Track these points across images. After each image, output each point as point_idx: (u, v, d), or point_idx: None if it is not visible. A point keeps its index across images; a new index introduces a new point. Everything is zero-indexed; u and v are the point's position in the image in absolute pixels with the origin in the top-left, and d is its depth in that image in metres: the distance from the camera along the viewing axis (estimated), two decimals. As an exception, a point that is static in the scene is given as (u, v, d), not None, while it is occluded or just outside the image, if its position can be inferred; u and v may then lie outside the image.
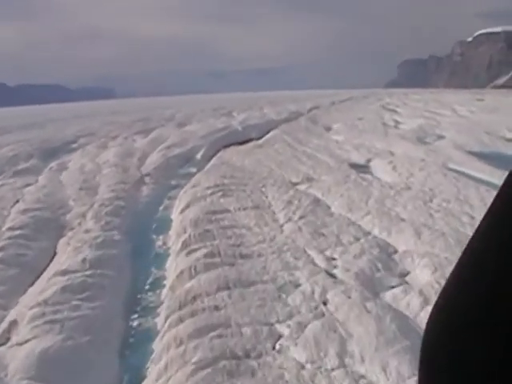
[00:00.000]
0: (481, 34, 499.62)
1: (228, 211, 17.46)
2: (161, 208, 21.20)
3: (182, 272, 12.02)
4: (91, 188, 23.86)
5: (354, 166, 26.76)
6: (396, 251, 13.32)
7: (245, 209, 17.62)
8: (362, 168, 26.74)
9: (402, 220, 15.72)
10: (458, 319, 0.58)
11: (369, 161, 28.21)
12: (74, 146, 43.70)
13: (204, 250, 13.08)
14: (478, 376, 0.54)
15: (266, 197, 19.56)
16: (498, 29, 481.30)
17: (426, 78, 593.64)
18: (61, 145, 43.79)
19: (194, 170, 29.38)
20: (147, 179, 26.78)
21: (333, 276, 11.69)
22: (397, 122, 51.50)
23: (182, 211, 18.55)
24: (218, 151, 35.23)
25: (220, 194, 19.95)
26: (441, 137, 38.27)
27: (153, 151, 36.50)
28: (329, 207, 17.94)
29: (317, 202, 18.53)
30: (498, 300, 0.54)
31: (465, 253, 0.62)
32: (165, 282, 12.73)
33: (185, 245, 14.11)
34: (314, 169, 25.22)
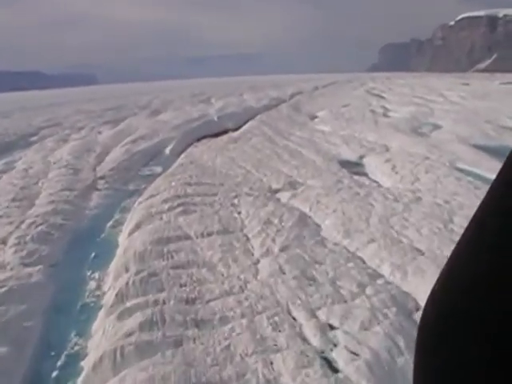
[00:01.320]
0: (463, 18, 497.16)
1: (187, 238, 13.30)
2: (108, 225, 16.90)
3: (101, 359, 7.87)
4: (27, 198, 19.55)
5: (346, 165, 23.02)
6: (418, 308, 9.30)
7: (209, 234, 13.48)
8: (355, 167, 22.92)
9: (419, 252, 11.67)
10: (450, 303, 0.59)
11: (362, 157, 24.35)
12: (33, 139, 39.33)
13: (141, 316, 8.90)
14: (473, 361, 0.55)
15: (239, 213, 15.44)
16: (481, 13, 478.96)
17: (407, 61, 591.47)
18: (17, 139, 39.39)
19: (158, 169, 25.37)
20: (101, 183, 22.57)
21: (332, 367, 7.62)
22: (386, 109, 47.45)
23: (131, 234, 14.40)
24: (189, 145, 31.22)
25: (180, 209, 15.81)
26: (437, 126, 34.48)
27: (116, 146, 32.32)
28: (319, 229, 13.86)
29: (303, 220, 14.46)
30: (493, 284, 0.55)
31: (459, 242, 0.62)
32: (80, 367, 8.53)
33: (119, 299, 9.98)
34: (298, 169, 21.30)
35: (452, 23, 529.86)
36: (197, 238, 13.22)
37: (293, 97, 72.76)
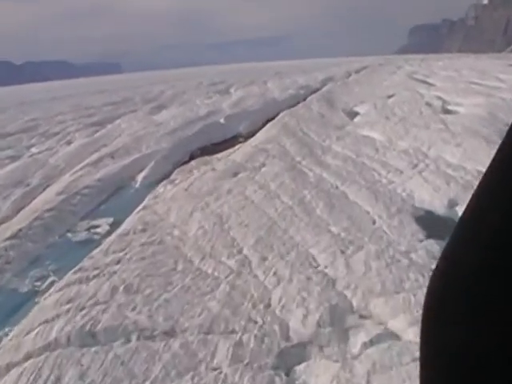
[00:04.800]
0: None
1: None
2: None
3: None
4: None
5: (428, 223, 12.65)
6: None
7: None
8: (445, 226, 12.45)
9: None
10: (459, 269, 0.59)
11: (453, 204, 13.81)
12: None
13: None
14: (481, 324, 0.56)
15: None
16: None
17: (438, 43, 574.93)
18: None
19: (103, 227, 15.32)
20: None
21: None
22: (444, 102, 36.18)
23: None
24: (172, 171, 21.03)
25: None
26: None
27: (70, 169, 22.48)
28: None
29: None
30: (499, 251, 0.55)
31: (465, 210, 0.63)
32: None
33: None
34: (342, 242, 10.86)
35: (485, 2, 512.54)
36: None
37: (324, 85, 61.98)
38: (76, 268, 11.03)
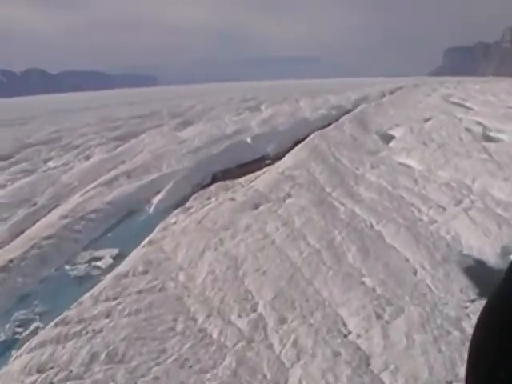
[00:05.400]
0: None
1: None
2: None
3: None
4: None
5: (479, 277, 10.70)
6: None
7: None
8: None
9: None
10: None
11: (507, 252, 11.84)
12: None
13: None
14: None
15: None
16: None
17: (472, 65, 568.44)
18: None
19: (105, 261, 13.68)
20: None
21: None
22: (485, 128, 33.91)
23: None
24: (192, 193, 19.39)
25: None
26: None
27: (84, 187, 20.93)
28: None
29: None
30: None
31: None
32: None
33: None
34: (385, 300, 9.03)
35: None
36: None
37: (357, 105, 59.95)
38: (59, 318, 9.27)
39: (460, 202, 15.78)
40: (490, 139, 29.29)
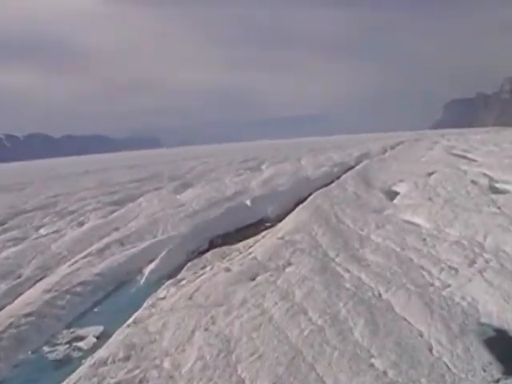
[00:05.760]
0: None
1: None
2: None
3: None
4: None
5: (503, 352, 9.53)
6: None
7: None
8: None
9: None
10: None
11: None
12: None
13: None
14: None
15: None
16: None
17: (472, 117, 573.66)
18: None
19: (74, 355, 12.25)
20: None
21: None
22: (491, 179, 32.82)
23: None
24: (181, 267, 18.17)
25: None
26: None
27: (71, 259, 19.85)
28: None
29: None
30: None
31: None
32: None
33: None
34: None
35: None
36: None
37: (359, 161, 59.39)
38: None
39: (473, 262, 14.60)
40: (497, 191, 28.23)
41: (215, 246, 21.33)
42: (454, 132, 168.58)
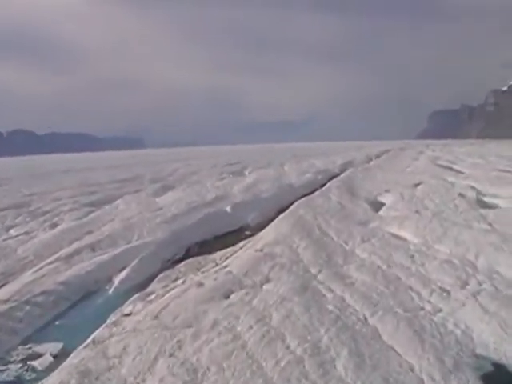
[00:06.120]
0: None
1: None
2: None
3: None
4: None
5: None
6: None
7: None
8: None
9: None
10: None
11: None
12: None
13: None
14: None
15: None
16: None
17: (457, 128, 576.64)
18: None
19: (27, 377, 11.17)
20: None
21: None
22: (479, 192, 31.90)
23: None
24: (153, 277, 17.00)
25: None
26: None
27: (26, 270, 18.61)
28: None
29: None
30: None
31: None
32: None
33: None
34: None
35: (505, 88, 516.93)
36: None
37: (343, 169, 58.65)
38: None
39: (466, 283, 13.59)
40: (485, 205, 27.38)
41: (191, 255, 20.22)
42: (438, 143, 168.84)
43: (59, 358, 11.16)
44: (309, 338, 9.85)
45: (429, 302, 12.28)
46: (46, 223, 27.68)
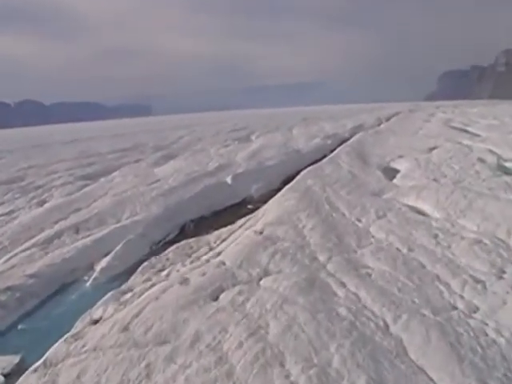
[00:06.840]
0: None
1: None
2: None
3: None
4: None
5: None
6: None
7: None
8: None
9: None
10: None
11: None
12: None
13: None
14: None
15: None
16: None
17: (467, 89, 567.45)
18: None
19: None
20: None
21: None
22: (500, 157, 29.66)
23: None
24: (139, 263, 14.89)
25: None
26: None
27: (17, 247, 16.50)
28: None
29: None
30: None
31: None
32: None
33: None
34: None
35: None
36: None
37: (353, 133, 55.95)
38: None
39: (502, 271, 11.39)
40: (508, 171, 25.03)
41: (185, 236, 18.06)
42: (448, 104, 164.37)
43: (11, 377, 9.08)
44: (315, 360, 7.61)
45: (461, 297, 10.10)
46: (34, 200, 25.70)
